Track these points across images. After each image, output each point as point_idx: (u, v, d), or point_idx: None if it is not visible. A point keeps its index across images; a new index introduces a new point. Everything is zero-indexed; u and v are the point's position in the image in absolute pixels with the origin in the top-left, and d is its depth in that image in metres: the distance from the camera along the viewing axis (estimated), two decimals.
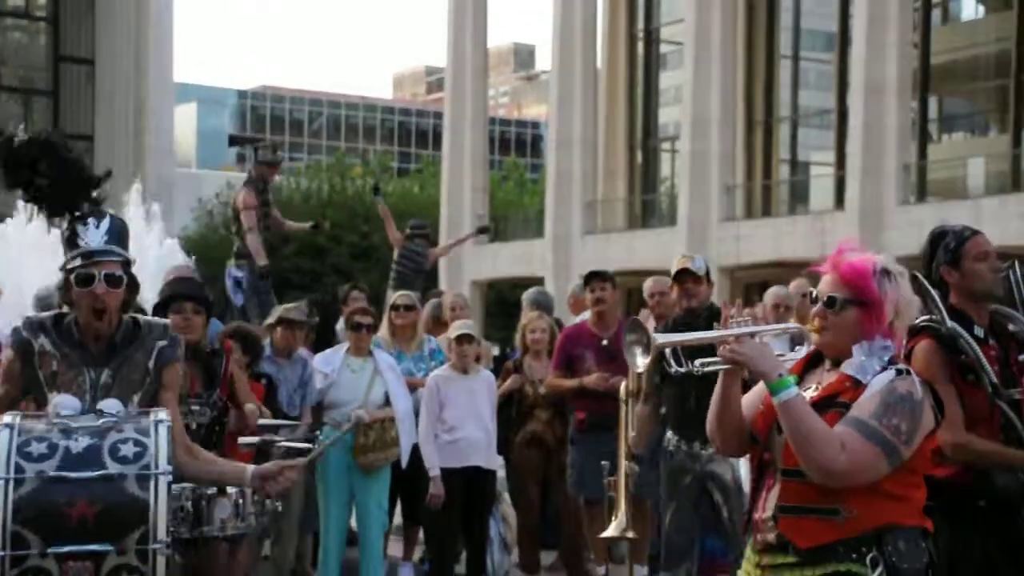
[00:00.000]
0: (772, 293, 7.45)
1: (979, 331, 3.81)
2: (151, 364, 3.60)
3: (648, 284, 7.47)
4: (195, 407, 4.94)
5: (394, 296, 7.67)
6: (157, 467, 3.24)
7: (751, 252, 23.45)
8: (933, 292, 3.91)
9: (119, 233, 3.60)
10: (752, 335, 2.94)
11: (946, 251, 3.93)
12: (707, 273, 6.16)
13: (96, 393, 3.50)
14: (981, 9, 27.30)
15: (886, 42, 21.94)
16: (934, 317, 3.78)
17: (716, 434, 3.09)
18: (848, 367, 2.93)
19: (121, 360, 3.57)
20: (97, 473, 3.19)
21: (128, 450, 3.25)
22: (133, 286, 3.61)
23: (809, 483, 2.86)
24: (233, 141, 72.32)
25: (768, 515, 2.96)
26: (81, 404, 3.45)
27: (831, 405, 2.90)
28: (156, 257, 21.56)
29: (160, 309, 5.05)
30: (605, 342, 7.07)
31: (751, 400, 3.07)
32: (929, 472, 3.02)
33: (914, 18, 23.22)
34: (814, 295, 3.04)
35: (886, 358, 2.94)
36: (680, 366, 3.08)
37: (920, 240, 14.06)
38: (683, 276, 6.09)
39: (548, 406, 7.39)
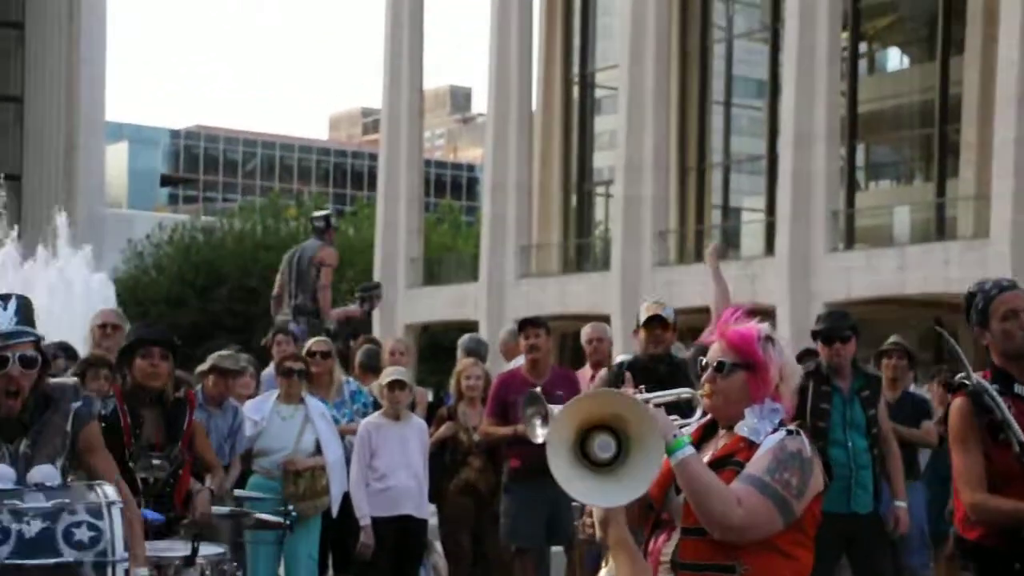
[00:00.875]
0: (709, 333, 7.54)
1: (1021, 389, 3.80)
2: (68, 427, 3.59)
3: (586, 330, 7.52)
4: (155, 461, 4.81)
5: (309, 343, 7.62)
6: (114, 554, 3.19)
7: (683, 297, 23.53)
8: (958, 348, 3.96)
9: (26, 312, 3.60)
10: (647, 402, 3.02)
11: (976, 312, 3.94)
12: (674, 321, 6.27)
13: (17, 463, 3.47)
14: (906, 60, 27.95)
15: (815, 91, 22.36)
16: (964, 374, 3.81)
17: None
18: (742, 429, 3.05)
19: (39, 427, 3.55)
20: (52, 561, 3.13)
21: (83, 534, 3.20)
22: (46, 363, 3.64)
23: (707, 541, 2.95)
24: (165, 181, 71.60)
25: (665, 559, 3.04)
26: (13, 471, 3.41)
27: (727, 464, 3.01)
28: (85, 292, 21.25)
29: (126, 353, 4.92)
30: (539, 389, 7.09)
31: None
32: (963, 534, 3.13)
33: (842, 68, 23.70)
34: (704, 362, 3.15)
35: (776, 420, 3.07)
36: None
37: (848, 285, 14.21)
38: (653, 323, 6.20)
39: (482, 454, 7.37)
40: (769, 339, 3.12)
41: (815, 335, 6.18)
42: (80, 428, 3.61)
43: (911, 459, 7.30)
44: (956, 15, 23.39)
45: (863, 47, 26.64)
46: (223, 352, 6.88)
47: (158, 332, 5.07)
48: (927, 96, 24.44)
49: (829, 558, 5.95)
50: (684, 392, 3.24)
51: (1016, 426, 3.70)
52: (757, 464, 2.97)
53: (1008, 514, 3.70)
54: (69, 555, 3.15)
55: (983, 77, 21.96)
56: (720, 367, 3.09)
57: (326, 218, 10.64)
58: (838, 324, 6.13)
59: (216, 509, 5.28)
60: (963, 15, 23.11)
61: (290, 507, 6.21)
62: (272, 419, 6.71)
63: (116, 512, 3.28)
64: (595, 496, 2.84)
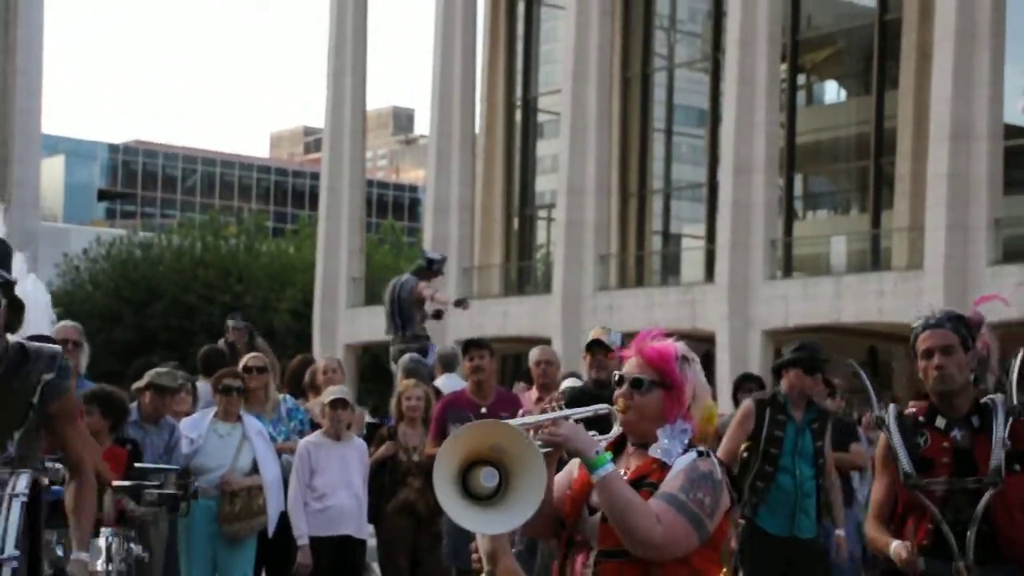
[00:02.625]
0: None
1: (941, 422, 3.90)
2: (35, 399, 3.37)
3: (534, 353, 7.56)
4: (49, 464, 4.72)
5: (246, 358, 7.55)
6: (2, 551, 3.08)
7: (623, 321, 23.69)
8: (867, 382, 4.08)
9: None
10: (566, 418, 3.05)
11: (911, 346, 4.02)
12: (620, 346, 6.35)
13: None
14: (843, 93, 28.39)
15: (754, 121, 22.60)
16: (873, 406, 4.01)
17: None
18: (655, 451, 3.08)
19: (2, 392, 3.31)
20: None
21: None
22: (16, 307, 3.37)
23: (626, 563, 2.98)
24: (103, 196, 70.66)
25: None
26: None
27: (641, 486, 3.03)
28: (19, 293, 20.83)
29: None
30: (484, 410, 7.09)
31: (559, 483, 3.17)
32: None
33: (780, 99, 24.01)
34: (619, 377, 3.16)
35: (685, 440, 3.11)
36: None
37: (786, 313, 14.33)
38: (595, 347, 6.26)
39: (421, 474, 7.33)
40: (685, 358, 3.16)
41: (789, 363, 6.29)
42: (50, 401, 3.39)
43: (845, 486, 7.48)
44: (891, 51, 23.83)
45: (801, 79, 27.01)
46: (160, 369, 6.79)
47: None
48: (863, 129, 24.82)
49: None
50: (601, 408, 3.25)
51: (903, 457, 3.83)
52: (671, 484, 3.00)
53: (875, 545, 3.92)
54: None
55: (917, 112, 22.37)
56: (638, 384, 3.11)
57: (430, 260, 11.45)
58: (815, 356, 6.30)
59: (117, 483, 5.18)
60: (898, 52, 23.54)
61: (192, 479, 6.11)
62: (209, 437, 6.63)
63: (16, 507, 3.13)
64: (485, 525, 2.86)
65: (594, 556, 3.03)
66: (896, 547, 3.79)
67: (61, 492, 3.84)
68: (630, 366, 3.15)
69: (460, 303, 11.89)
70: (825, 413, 6.53)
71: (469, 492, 2.84)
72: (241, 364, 7.43)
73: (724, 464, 3.11)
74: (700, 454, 3.07)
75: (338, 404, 6.72)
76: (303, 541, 6.57)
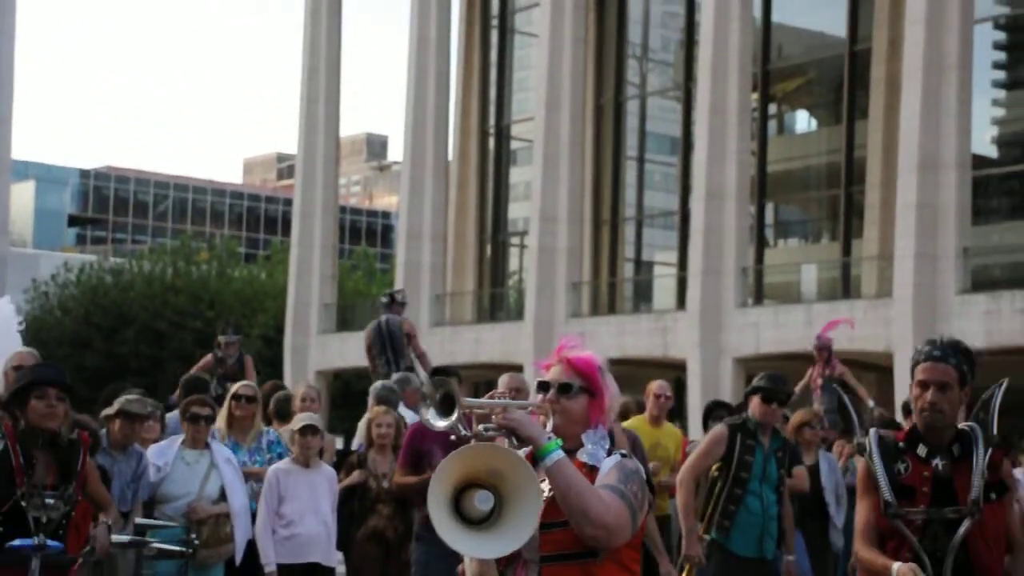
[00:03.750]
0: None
1: (923, 450, 3.92)
2: None
3: (504, 379, 7.57)
4: (49, 500, 4.71)
5: (235, 386, 7.52)
6: None
7: (595, 348, 23.43)
8: (849, 407, 4.13)
9: None
10: (504, 408, 3.12)
11: (911, 370, 4.05)
12: None
13: None
14: (814, 123, 28.63)
15: (726, 149, 22.74)
16: (856, 432, 4.08)
17: None
18: (582, 455, 3.17)
19: None
20: None
21: None
22: None
23: (569, 565, 3.04)
24: (73, 221, 70.27)
25: None
26: None
27: None
28: None
29: (21, 395, 4.80)
30: (453, 437, 7.06)
31: None
32: None
33: (752, 128, 24.18)
34: (544, 383, 3.25)
35: (607, 445, 3.22)
36: (468, 430, 3.18)
37: (757, 340, 14.37)
38: None
39: (391, 501, 7.31)
40: (604, 369, 3.29)
41: (755, 391, 6.57)
42: None
43: (821, 511, 7.75)
44: (861, 82, 24.07)
45: (772, 108, 27.21)
46: (130, 396, 6.74)
47: (54, 372, 4.97)
48: (833, 158, 25.00)
49: None
50: (532, 405, 3.28)
51: (884, 486, 3.87)
52: (608, 477, 3.10)
53: (873, 566, 3.89)
54: None
55: (886, 141, 22.59)
56: (566, 388, 3.20)
57: (391, 295, 12.23)
58: (780, 388, 6.58)
59: (116, 538, 5.18)
60: (867, 82, 23.79)
61: (193, 535, 6.11)
62: (176, 464, 6.59)
63: None
64: (477, 548, 2.86)
65: (535, 566, 3.08)
66: (901, 569, 3.78)
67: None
68: (557, 373, 3.24)
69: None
70: (788, 442, 6.86)
71: (461, 514, 2.84)
72: (232, 391, 7.39)
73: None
74: (623, 455, 3.18)
75: (307, 431, 6.71)
76: (270, 568, 6.54)
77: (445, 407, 3.05)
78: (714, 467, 6.51)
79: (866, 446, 3.94)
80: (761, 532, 6.43)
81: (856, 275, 23.30)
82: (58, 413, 4.80)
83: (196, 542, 6.02)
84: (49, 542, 4.33)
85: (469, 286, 29.52)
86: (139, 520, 6.04)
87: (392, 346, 11.46)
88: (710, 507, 6.48)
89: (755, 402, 6.50)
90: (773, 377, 6.63)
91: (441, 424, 3.04)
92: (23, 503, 4.64)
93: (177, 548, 5.68)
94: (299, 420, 6.89)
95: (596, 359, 3.28)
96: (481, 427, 3.09)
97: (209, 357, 10.92)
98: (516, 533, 2.82)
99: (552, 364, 3.27)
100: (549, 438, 3.04)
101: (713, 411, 8.62)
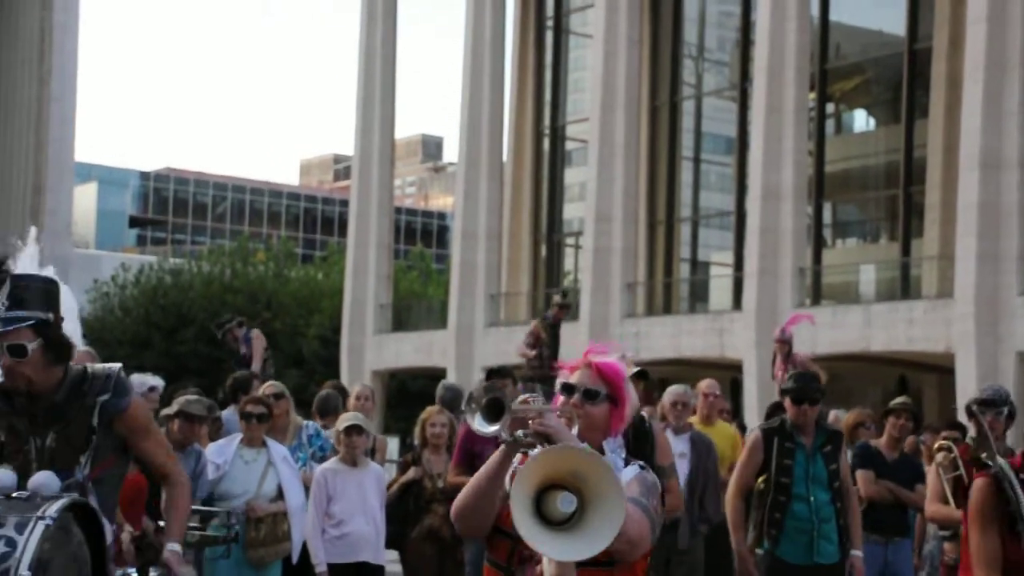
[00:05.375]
0: (671, 391, 7.62)
1: None
2: (95, 422, 3.44)
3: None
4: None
5: (263, 387, 7.60)
6: (17, 571, 3.10)
7: (651, 349, 23.70)
8: (986, 428, 3.81)
9: (21, 292, 3.41)
10: (550, 413, 3.12)
11: None
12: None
13: (42, 460, 3.34)
14: (872, 122, 28.32)
15: (782, 149, 22.56)
16: (987, 454, 3.78)
17: (473, 510, 3.16)
18: None
19: (64, 423, 3.40)
20: None
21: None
22: (54, 347, 3.44)
23: (586, 571, 3.00)
24: (134, 223, 71.32)
25: None
26: (16, 477, 3.31)
27: None
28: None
29: None
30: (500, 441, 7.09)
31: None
32: None
33: (809, 127, 23.97)
34: (569, 385, 3.22)
35: (624, 455, 3.22)
36: (510, 436, 3.19)
37: (814, 341, 14.17)
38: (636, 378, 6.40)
39: (446, 501, 7.34)
40: (628, 378, 3.27)
41: (784, 393, 6.41)
42: (110, 421, 3.45)
43: (901, 517, 7.39)
44: (921, 80, 23.78)
45: (830, 108, 26.96)
46: (189, 397, 6.82)
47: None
48: (892, 157, 24.72)
49: None
50: (564, 410, 3.23)
51: None
52: (630, 489, 3.07)
53: None
54: None
55: (947, 140, 22.29)
56: (593, 395, 3.19)
57: (563, 293, 12.48)
58: (809, 386, 6.33)
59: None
60: (927, 81, 23.49)
61: (233, 520, 6.17)
62: (235, 463, 6.66)
63: (39, 529, 3.15)
64: (559, 550, 2.85)
65: (551, 566, 3.03)
66: None
67: None
68: (583, 377, 3.21)
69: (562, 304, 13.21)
70: (837, 435, 6.53)
71: (542, 514, 2.85)
72: (260, 392, 7.47)
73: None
74: (642, 468, 3.17)
75: (352, 431, 6.74)
76: (321, 568, 6.59)
77: (493, 413, 3.05)
78: (760, 480, 6.30)
79: (994, 469, 3.66)
80: (811, 538, 6.16)
81: (916, 275, 23.02)
82: None
83: (237, 528, 6.07)
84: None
85: (524, 286, 29.55)
86: (194, 507, 6.11)
87: (553, 343, 12.04)
88: (758, 518, 6.29)
89: (787, 404, 6.33)
90: (803, 376, 6.46)
91: (488, 430, 3.05)
92: None
93: (219, 535, 5.73)
94: (344, 420, 6.94)
95: (622, 367, 3.26)
96: (520, 432, 3.09)
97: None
98: (598, 536, 2.83)
99: (577, 367, 3.26)
100: (583, 448, 3.03)
101: (774, 414, 8.49)
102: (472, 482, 3.18)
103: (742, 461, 6.43)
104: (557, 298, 13.53)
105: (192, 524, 5.68)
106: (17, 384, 3.38)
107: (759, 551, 6.30)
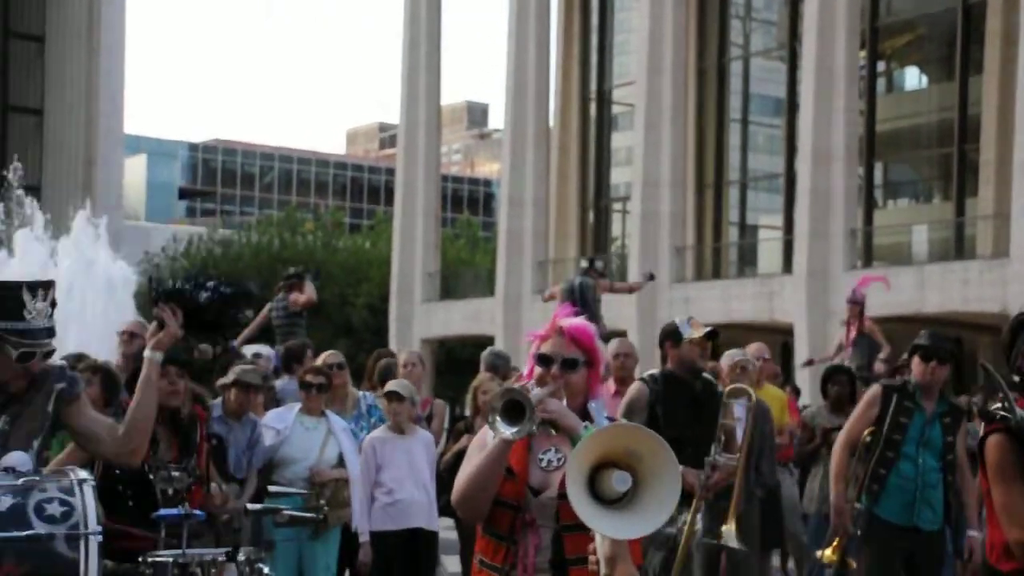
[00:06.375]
0: (729, 355, 7.56)
1: None
2: (50, 407, 3.63)
3: (612, 345, 7.57)
4: (175, 473, 4.88)
5: (324, 356, 7.62)
6: (86, 527, 3.19)
7: (700, 313, 23.47)
8: (1002, 381, 3.75)
9: (55, 304, 3.65)
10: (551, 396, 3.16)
11: None
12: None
13: (3, 442, 3.53)
14: (924, 79, 27.92)
15: (833, 109, 22.33)
16: (1005, 406, 3.60)
17: (476, 499, 3.18)
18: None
19: (20, 406, 3.60)
20: (24, 533, 3.13)
21: (55, 509, 3.21)
22: (24, 357, 3.66)
23: (589, 534, 3.01)
24: (183, 194, 71.96)
25: (544, 569, 3.14)
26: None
27: None
28: (107, 278, 21.31)
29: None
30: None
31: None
32: (996, 565, 3.22)
33: (860, 86, 23.67)
34: (545, 356, 3.23)
35: (606, 414, 3.25)
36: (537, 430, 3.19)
37: (868, 304, 13.84)
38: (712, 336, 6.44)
39: None
40: (597, 336, 3.30)
41: (915, 349, 6.11)
42: (62, 407, 3.65)
43: None
44: (975, 35, 23.36)
45: (881, 66, 26.62)
46: (245, 366, 6.88)
47: (174, 350, 5.08)
48: (945, 115, 24.39)
49: (890, 569, 6.07)
50: (552, 390, 3.24)
51: None
52: None
53: None
54: (41, 528, 3.15)
55: (1002, 97, 21.91)
56: (571, 363, 3.22)
57: (591, 260, 12.65)
58: (940, 343, 6.09)
59: (250, 506, 5.37)
60: (982, 36, 23.07)
61: (322, 501, 6.26)
62: (295, 429, 6.73)
63: (88, 489, 3.29)
64: (614, 528, 2.86)
65: (550, 533, 3.13)
66: None
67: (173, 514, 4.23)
68: (557, 346, 3.23)
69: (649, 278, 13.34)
70: (959, 410, 6.27)
71: (595, 492, 2.87)
72: (319, 362, 7.51)
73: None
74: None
75: (392, 397, 6.76)
76: (364, 538, 6.64)
77: (513, 413, 3.04)
78: (866, 432, 6.08)
79: (1013, 422, 3.53)
80: (914, 499, 5.99)
81: (970, 235, 22.73)
82: (179, 390, 4.97)
83: (326, 508, 6.16)
84: (195, 511, 4.52)
85: (571, 252, 29.51)
86: (272, 488, 6.21)
87: (582, 307, 11.53)
88: (860, 474, 6.08)
89: (914, 362, 6.03)
90: (933, 335, 6.16)
91: (512, 432, 3.04)
92: (151, 476, 4.82)
93: (310, 515, 5.84)
94: (387, 387, 6.97)
95: (591, 327, 3.28)
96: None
97: (295, 295, 11.10)
98: (652, 515, 2.82)
99: (549, 336, 3.26)
100: (585, 426, 3.08)
101: (832, 376, 8.39)
102: (473, 473, 3.19)
103: (856, 414, 6.23)
104: (584, 263, 13.12)
105: (280, 504, 5.79)
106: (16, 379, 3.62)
107: (857, 506, 6.12)
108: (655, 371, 6.43)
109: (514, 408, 3.05)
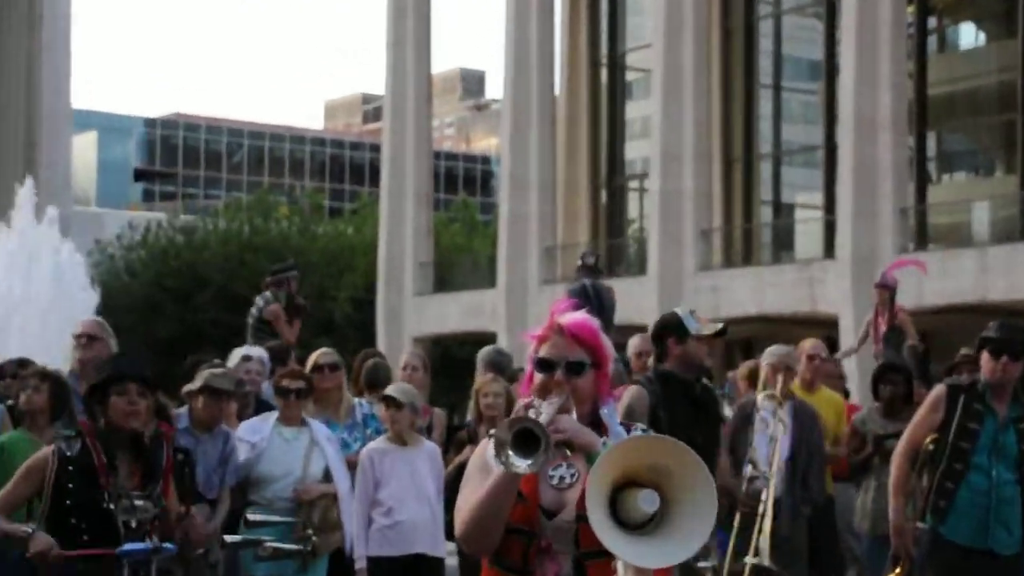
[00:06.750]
0: (773, 353, 7.44)
1: None
2: None
3: (634, 342, 7.53)
4: (139, 502, 4.78)
5: (315, 355, 7.51)
6: None
7: (730, 305, 23.58)
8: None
9: None
10: (560, 413, 3.10)
11: None
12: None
13: None
14: (982, 36, 27.89)
15: (878, 72, 22.31)
16: None
17: (482, 534, 3.12)
18: (613, 439, 3.11)
19: None
20: None
21: None
22: None
23: (611, 561, 3.00)
24: (139, 176, 71.97)
25: None
26: None
27: None
28: (54, 265, 21.32)
29: (98, 391, 4.87)
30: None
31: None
32: None
33: (908, 46, 23.62)
34: (547, 361, 3.19)
35: (619, 418, 3.25)
36: (560, 461, 3.15)
37: (920, 290, 13.86)
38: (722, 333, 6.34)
39: None
40: (601, 331, 3.25)
41: (983, 343, 5.97)
42: None
43: None
44: None
45: (932, 22, 26.64)
46: (215, 370, 6.77)
47: (135, 366, 5.01)
48: (1007, 77, 24.45)
49: None
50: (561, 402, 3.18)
51: None
52: None
53: None
54: None
55: None
56: (577, 367, 3.17)
57: (597, 257, 12.39)
58: (1012, 336, 5.93)
59: (228, 538, 5.28)
60: None
61: (309, 531, 6.16)
62: (273, 441, 6.63)
63: None
64: (644, 556, 2.82)
65: (569, 560, 3.08)
66: None
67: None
68: (559, 347, 3.18)
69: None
70: None
71: (618, 515, 2.79)
72: (310, 362, 7.42)
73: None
74: (644, 430, 3.17)
75: (390, 403, 6.66)
76: (360, 564, 6.53)
77: (526, 444, 2.96)
78: (928, 439, 5.95)
79: None
80: (987, 517, 5.79)
81: None
82: (140, 411, 4.88)
83: (315, 538, 6.06)
84: (164, 545, 4.43)
85: (582, 237, 29.50)
86: (251, 516, 6.10)
87: (600, 312, 11.47)
88: (924, 488, 5.94)
89: (984, 358, 5.89)
90: (1004, 325, 6.01)
91: (527, 465, 2.95)
92: (111, 506, 4.73)
93: (296, 547, 5.74)
94: (386, 391, 6.87)
95: (594, 322, 3.24)
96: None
97: (275, 307, 10.99)
98: (685, 540, 2.76)
99: (548, 336, 3.21)
100: (604, 442, 3.04)
101: (884, 375, 8.29)
102: (479, 506, 3.10)
103: (918, 418, 6.07)
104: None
105: (265, 537, 5.70)
106: None
107: (920, 525, 5.98)
108: (648, 371, 6.35)
109: (526, 438, 2.97)
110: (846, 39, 23.00)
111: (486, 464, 3.16)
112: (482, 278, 30.16)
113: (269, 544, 5.54)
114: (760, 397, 7.26)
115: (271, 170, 71.09)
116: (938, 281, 21.17)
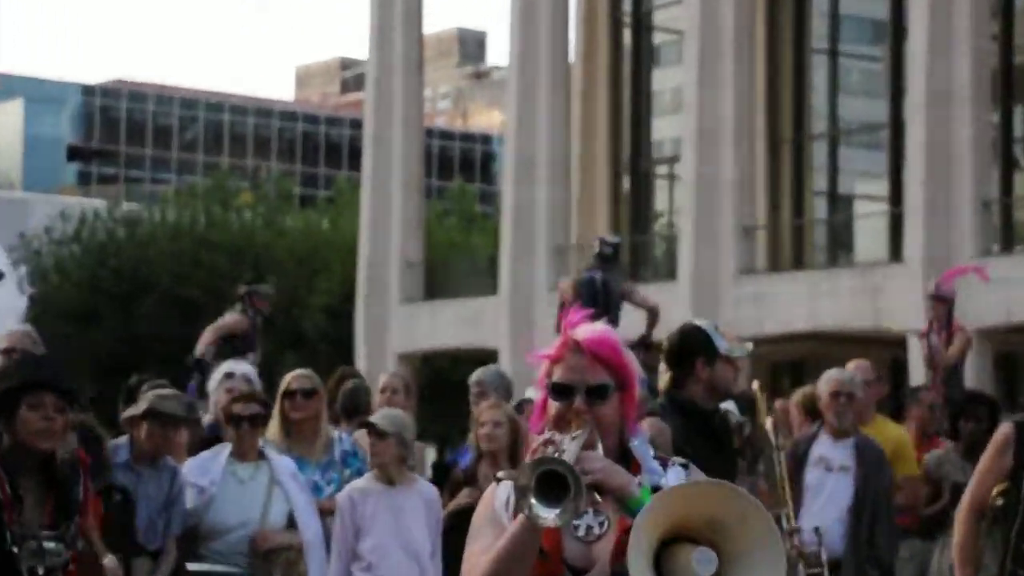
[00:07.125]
0: (831, 379, 7.43)
1: None
2: None
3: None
4: (49, 544, 4.69)
5: (289, 377, 7.49)
6: None
7: (776, 317, 23.57)
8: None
9: None
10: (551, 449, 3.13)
11: None
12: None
13: None
14: None
15: (953, 36, 22.31)
16: None
17: None
18: (648, 478, 3.16)
19: None
20: None
21: None
22: None
23: None
24: (74, 154, 72.07)
25: None
26: None
27: None
28: None
29: (7, 401, 4.71)
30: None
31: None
32: None
33: (991, 4, 23.62)
34: (563, 386, 3.21)
35: (652, 450, 3.26)
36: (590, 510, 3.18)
37: (1008, 302, 13.93)
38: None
39: None
40: (624, 347, 3.30)
41: None
42: None
43: None
44: None
45: None
46: (162, 392, 6.81)
47: (52, 372, 4.89)
48: None
49: None
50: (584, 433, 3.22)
51: None
52: None
53: None
54: None
55: None
56: (600, 392, 3.19)
57: (615, 245, 12.61)
58: None
59: None
60: None
61: None
62: (226, 483, 6.66)
63: None
64: None
65: None
66: None
67: None
68: (575, 369, 3.21)
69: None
70: None
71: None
72: (282, 386, 7.38)
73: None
74: (685, 467, 3.21)
75: (371, 432, 6.66)
76: None
77: (551, 489, 2.97)
78: (996, 490, 5.90)
79: None
80: None
81: None
82: (56, 429, 4.72)
83: None
84: None
85: (601, 232, 29.45)
86: (193, 567, 6.13)
87: (607, 307, 11.61)
88: (998, 549, 5.87)
89: None
90: None
91: (555, 514, 2.96)
92: (14, 549, 4.62)
93: None
94: (370, 419, 6.89)
95: (613, 334, 3.28)
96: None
97: (240, 317, 11.06)
98: None
99: (563, 356, 3.23)
100: (639, 484, 3.08)
101: (966, 408, 8.28)
102: (493, 570, 3.11)
103: (983, 466, 6.02)
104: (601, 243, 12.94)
105: None
106: None
107: None
108: (661, 399, 6.38)
109: (551, 482, 2.96)
110: None
111: (496, 515, 3.18)
112: (481, 282, 30.16)
113: None
114: (818, 431, 7.28)
115: (231, 150, 71.13)
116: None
